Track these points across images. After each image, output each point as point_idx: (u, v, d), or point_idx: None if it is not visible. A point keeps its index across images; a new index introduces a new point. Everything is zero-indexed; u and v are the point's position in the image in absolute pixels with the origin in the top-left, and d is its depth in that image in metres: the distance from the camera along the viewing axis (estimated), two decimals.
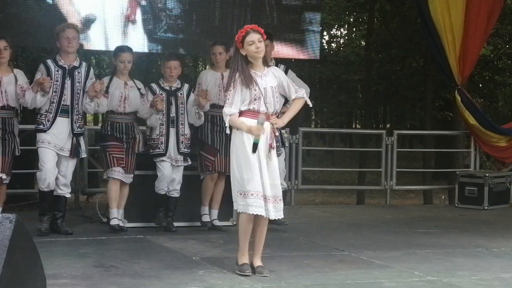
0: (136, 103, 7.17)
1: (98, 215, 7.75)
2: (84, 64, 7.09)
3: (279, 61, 7.74)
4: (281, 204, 5.53)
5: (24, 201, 10.75)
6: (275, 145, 5.50)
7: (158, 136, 7.27)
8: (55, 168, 6.91)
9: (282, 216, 5.59)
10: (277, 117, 5.66)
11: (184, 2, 9.39)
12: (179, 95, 7.34)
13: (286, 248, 6.69)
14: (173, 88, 7.33)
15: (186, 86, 7.44)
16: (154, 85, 7.36)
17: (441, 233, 7.78)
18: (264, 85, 5.49)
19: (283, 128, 6.60)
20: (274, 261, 5.95)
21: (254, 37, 5.44)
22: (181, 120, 7.32)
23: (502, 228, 8.34)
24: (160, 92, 7.25)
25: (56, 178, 6.94)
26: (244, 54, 5.47)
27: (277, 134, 5.54)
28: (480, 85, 19.61)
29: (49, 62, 6.95)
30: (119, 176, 7.09)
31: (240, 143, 5.48)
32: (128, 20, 9.16)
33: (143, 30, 9.24)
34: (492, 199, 9.94)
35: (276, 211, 5.48)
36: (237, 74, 5.47)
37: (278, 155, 5.59)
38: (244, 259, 5.54)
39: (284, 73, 5.93)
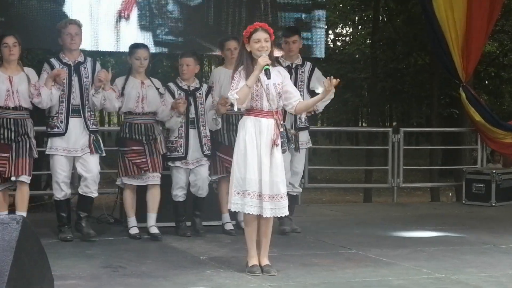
0: (155, 102, 6.85)
1: (105, 216, 7.75)
2: (89, 59, 6.78)
3: (306, 60, 7.36)
4: (282, 202, 5.44)
5: (31, 202, 10.70)
6: (279, 141, 5.45)
7: (177, 139, 6.97)
8: (69, 176, 6.75)
9: (285, 214, 5.53)
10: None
11: (178, 1, 9.31)
12: (198, 95, 7.04)
13: (294, 247, 6.68)
14: (191, 88, 7.03)
15: (204, 86, 7.16)
16: (171, 85, 7.05)
17: (448, 230, 7.76)
18: (266, 81, 5.43)
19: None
20: (282, 260, 5.94)
21: (261, 35, 5.40)
22: (202, 121, 7.01)
23: (510, 224, 8.30)
24: (179, 92, 6.98)
25: (82, 177, 6.72)
26: (249, 50, 5.46)
27: (281, 130, 5.49)
28: (486, 81, 19.60)
29: (53, 60, 6.68)
30: (135, 182, 6.86)
31: (242, 142, 5.47)
32: (125, 18, 9.09)
33: (144, 30, 9.19)
34: (500, 195, 9.91)
35: (277, 209, 5.42)
36: (241, 67, 5.47)
37: (283, 151, 5.52)
38: (253, 260, 5.51)
39: (289, 75, 5.82)
